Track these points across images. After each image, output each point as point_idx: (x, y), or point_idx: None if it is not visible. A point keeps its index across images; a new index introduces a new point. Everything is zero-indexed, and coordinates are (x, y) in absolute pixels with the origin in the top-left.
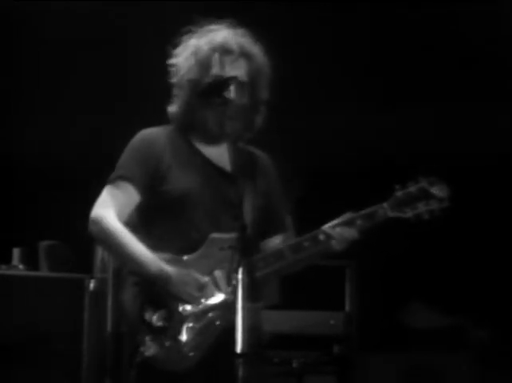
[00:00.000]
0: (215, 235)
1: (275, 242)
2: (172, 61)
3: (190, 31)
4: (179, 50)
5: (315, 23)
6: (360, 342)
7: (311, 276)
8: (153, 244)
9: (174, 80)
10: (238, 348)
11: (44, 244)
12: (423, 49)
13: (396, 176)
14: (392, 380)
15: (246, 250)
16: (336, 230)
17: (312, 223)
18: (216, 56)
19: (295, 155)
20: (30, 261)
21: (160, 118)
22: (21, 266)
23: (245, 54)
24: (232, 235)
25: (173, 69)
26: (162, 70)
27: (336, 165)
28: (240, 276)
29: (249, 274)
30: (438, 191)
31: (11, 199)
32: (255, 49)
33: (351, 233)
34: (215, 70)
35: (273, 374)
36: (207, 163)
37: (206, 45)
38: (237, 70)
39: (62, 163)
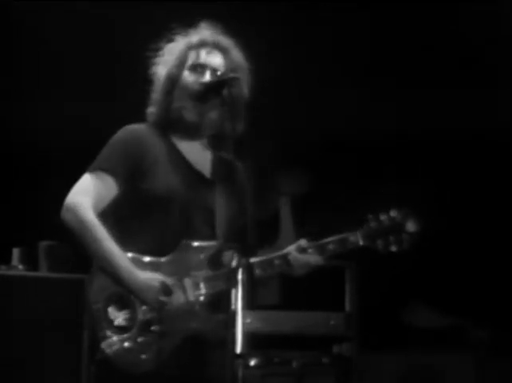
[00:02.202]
0: (189, 242)
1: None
2: (153, 69)
3: (170, 39)
4: (158, 59)
5: (315, 23)
6: (360, 342)
7: (311, 276)
8: (124, 241)
9: (154, 85)
10: (238, 349)
11: (44, 244)
12: (423, 49)
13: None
14: (392, 380)
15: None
16: (300, 256)
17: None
18: (192, 51)
19: (295, 153)
20: (30, 261)
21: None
22: (20, 266)
23: (220, 48)
24: (206, 244)
25: (154, 77)
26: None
27: (337, 163)
28: (240, 277)
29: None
30: (409, 224)
31: (11, 199)
32: (232, 46)
33: (316, 259)
34: (191, 61)
35: (273, 374)
36: (188, 166)
37: (183, 45)
38: (212, 59)
39: (63, 163)
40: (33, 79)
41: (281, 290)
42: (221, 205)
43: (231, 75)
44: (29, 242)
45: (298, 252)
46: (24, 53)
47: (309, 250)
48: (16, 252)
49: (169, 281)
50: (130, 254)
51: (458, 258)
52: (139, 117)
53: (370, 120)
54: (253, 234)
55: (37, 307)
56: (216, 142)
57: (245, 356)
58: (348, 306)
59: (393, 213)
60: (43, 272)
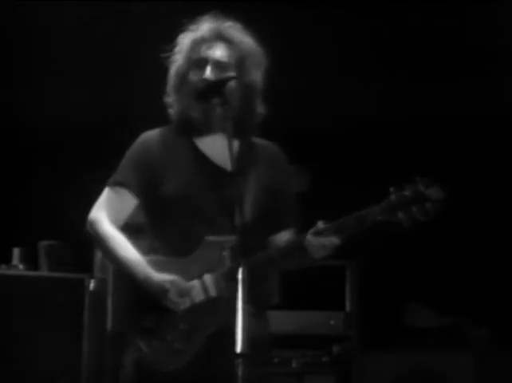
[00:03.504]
0: (211, 238)
1: (282, 238)
2: (168, 68)
3: (179, 35)
4: (171, 57)
5: (315, 22)
6: (360, 342)
7: (311, 276)
8: (153, 245)
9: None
10: (238, 348)
11: (44, 244)
12: (426, 42)
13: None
14: (392, 380)
15: (246, 252)
16: (316, 239)
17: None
18: (196, 47)
19: (295, 152)
20: (30, 260)
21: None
22: (21, 266)
23: (224, 39)
24: (228, 238)
25: (168, 77)
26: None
27: (337, 162)
28: (240, 276)
29: (249, 275)
30: (433, 192)
31: (11, 199)
32: (237, 34)
33: (331, 241)
34: (194, 57)
35: (273, 374)
36: (205, 161)
37: (188, 41)
38: (213, 51)
39: (62, 163)
40: (31, 80)
41: (281, 290)
42: (244, 196)
43: (228, 75)
44: (29, 241)
45: (314, 236)
46: (26, 44)
47: (325, 232)
48: (16, 251)
49: (182, 282)
50: (155, 257)
51: (458, 257)
52: (142, 108)
53: (370, 119)
54: (292, 213)
55: (37, 307)
56: (237, 131)
57: (245, 355)
58: (348, 306)
59: (416, 181)
60: (43, 272)
